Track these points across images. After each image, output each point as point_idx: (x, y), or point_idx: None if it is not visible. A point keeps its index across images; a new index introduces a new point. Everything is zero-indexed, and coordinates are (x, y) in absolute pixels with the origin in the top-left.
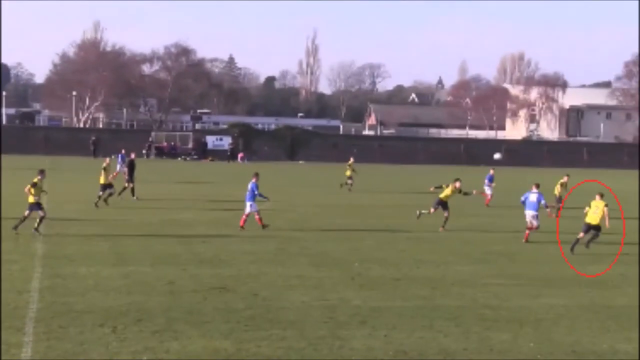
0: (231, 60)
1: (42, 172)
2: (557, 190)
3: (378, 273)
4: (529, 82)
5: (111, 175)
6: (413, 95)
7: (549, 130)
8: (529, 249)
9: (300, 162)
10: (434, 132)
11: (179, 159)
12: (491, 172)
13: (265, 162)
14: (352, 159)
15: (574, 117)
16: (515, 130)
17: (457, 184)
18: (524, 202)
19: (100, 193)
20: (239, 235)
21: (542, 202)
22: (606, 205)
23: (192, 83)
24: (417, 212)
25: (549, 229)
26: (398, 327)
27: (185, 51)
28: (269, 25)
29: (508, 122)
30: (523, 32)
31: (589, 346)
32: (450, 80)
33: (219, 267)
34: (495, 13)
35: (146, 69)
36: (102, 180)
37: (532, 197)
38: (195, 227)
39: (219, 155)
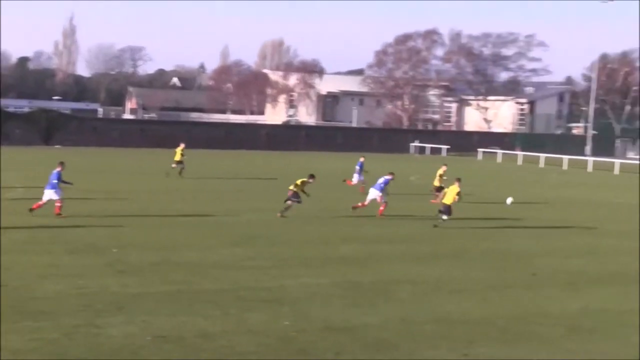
0: None
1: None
2: (438, 181)
3: (137, 259)
4: (288, 68)
5: None
6: (175, 79)
7: (307, 115)
8: (289, 230)
9: (57, 146)
10: (195, 116)
11: None
12: (362, 159)
13: (19, 146)
14: (182, 145)
15: (330, 102)
16: (275, 115)
17: (311, 179)
18: None
19: None
20: None
21: (384, 184)
22: (458, 194)
23: None
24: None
25: (302, 213)
26: (157, 311)
27: None
28: (21, 2)
29: (268, 107)
30: (282, 20)
31: (340, 322)
32: (212, 65)
33: None
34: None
35: None
36: None
37: (380, 179)
38: None
39: None
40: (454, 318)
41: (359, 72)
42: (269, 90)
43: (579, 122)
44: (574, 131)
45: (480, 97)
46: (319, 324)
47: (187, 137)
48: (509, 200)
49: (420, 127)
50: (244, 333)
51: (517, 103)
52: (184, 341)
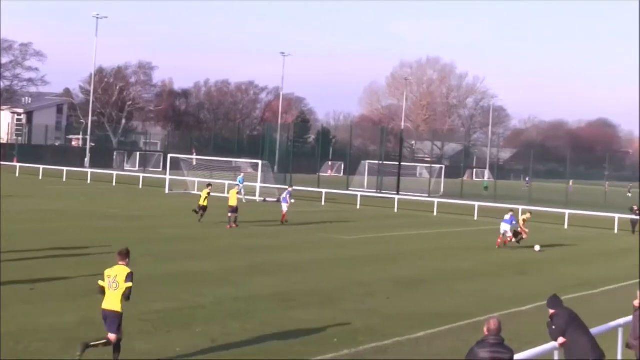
0: None
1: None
2: None
3: None
4: None
5: None
6: None
7: None
8: None
9: None
10: None
11: None
12: None
13: None
14: None
15: None
16: None
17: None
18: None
19: None
20: None
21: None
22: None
23: None
24: None
25: None
26: None
27: None
28: None
29: None
30: None
31: None
32: None
33: None
34: None
35: None
36: None
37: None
38: None
39: None
40: None
41: None
42: None
43: (78, 134)
44: (74, 143)
45: None
46: None
47: None
48: (537, 247)
49: None
50: None
51: (14, 113)
52: None
